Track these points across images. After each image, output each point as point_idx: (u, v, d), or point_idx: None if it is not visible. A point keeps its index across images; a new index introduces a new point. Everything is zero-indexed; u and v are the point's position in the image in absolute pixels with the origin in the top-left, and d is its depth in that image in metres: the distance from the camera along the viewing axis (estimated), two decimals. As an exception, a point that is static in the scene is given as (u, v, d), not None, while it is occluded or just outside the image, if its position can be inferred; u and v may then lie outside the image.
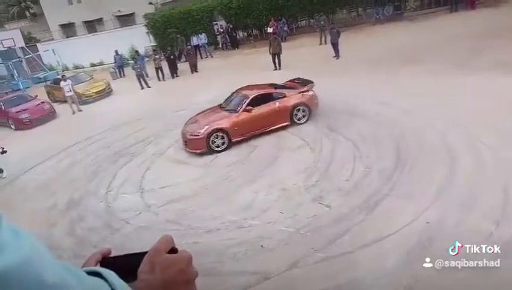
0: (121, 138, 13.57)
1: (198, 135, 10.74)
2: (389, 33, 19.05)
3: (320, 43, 19.03)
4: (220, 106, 11.90)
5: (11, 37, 26.29)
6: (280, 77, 16.63)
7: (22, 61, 28.40)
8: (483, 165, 7.62)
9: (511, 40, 13.56)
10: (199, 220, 7.99)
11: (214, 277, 6.47)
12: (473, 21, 17.41)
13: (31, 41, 30.34)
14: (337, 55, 17.94)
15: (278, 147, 10.47)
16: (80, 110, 18.57)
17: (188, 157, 10.94)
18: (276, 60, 18.34)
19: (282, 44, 19.20)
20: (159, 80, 21.01)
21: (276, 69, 18.26)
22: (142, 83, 20.22)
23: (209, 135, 10.70)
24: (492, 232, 5.95)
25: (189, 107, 15.11)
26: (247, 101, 11.12)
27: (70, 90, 18.33)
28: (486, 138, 8.35)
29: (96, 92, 20.05)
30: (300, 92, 11.53)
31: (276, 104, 11.22)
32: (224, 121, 10.98)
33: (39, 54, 29.35)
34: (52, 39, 32.09)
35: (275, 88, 11.75)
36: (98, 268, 0.72)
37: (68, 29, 32.90)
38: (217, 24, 25.74)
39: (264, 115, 11.04)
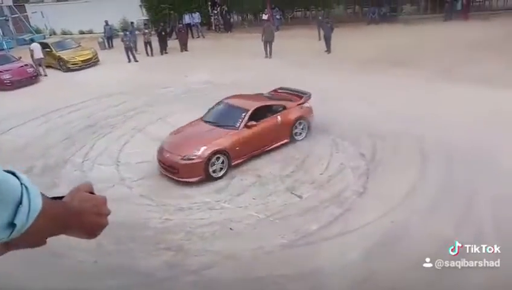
0: (103, 109, 13.47)
1: (193, 159, 8.47)
2: (382, 34, 19.16)
3: (319, 39, 19.01)
4: (202, 119, 9.77)
5: (-1, -7, 25.54)
6: (270, 65, 16.74)
7: (8, 20, 27.67)
8: (453, 174, 7.85)
9: (498, 53, 13.80)
10: (172, 198, 8.09)
11: (181, 253, 6.63)
12: (465, 31, 17.61)
13: (18, 1, 29.46)
14: (328, 50, 18.01)
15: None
16: (45, 75, 18.80)
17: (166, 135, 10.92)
18: (268, 48, 18.32)
19: (276, 33, 19.18)
20: (147, 54, 20.77)
21: (267, 56, 18.26)
22: (130, 56, 19.98)
23: (209, 158, 8.49)
24: (453, 237, 6.21)
25: (175, 86, 15.13)
26: (248, 115, 9.20)
27: (40, 54, 18.87)
28: (460, 148, 8.58)
29: (82, 61, 19.70)
30: (298, 105, 10.08)
31: (278, 118, 9.56)
32: (223, 140, 8.84)
33: (27, 15, 28.61)
34: (42, 1, 31.22)
35: (273, 99, 10.23)
36: (13, 169, 0.85)
37: (60, -8, 32.05)
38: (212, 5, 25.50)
39: (266, 132, 9.25)
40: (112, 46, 23.07)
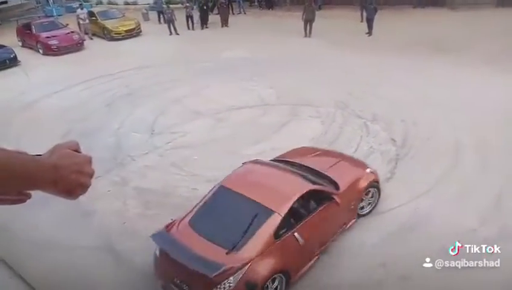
0: (142, 79, 13.85)
1: None
2: (428, 19, 18.37)
3: (362, 20, 18.57)
4: None
5: (51, -39, 26.29)
6: (308, 45, 16.54)
7: (58, -13, 28.54)
8: (486, 168, 7.60)
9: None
10: (201, 169, 8.29)
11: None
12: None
13: (70, -31, 30.27)
14: (369, 32, 17.52)
15: (290, 114, 10.55)
16: (91, 38, 20.24)
17: (202, 109, 11.12)
18: (308, 27, 18.03)
19: (317, 12, 18.82)
20: (188, 28, 20.96)
21: (306, 36, 18.00)
22: (171, 28, 20.23)
23: None
24: (476, 229, 6.10)
25: (213, 60, 15.26)
26: None
27: (85, 19, 20.36)
28: (495, 141, 8.31)
29: (125, 31, 20.17)
30: None
31: None
32: None
33: (76, -17, 29.35)
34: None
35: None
36: None
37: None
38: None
39: None
40: (162, 21, 22.83)
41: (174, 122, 10.50)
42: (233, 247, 4.98)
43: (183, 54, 16.41)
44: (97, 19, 20.62)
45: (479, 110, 9.53)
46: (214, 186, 5.94)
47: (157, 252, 5.40)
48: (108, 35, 20.00)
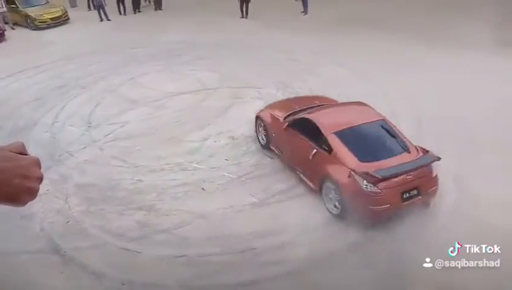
0: (73, 69, 13.11)
1: None
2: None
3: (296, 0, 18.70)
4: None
5: None
6: (245, 26, 16.47)
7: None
8: (418, 136, 8.06)
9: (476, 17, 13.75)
10: (144, 159, 8.11)
11: (153, 213, 6.74)
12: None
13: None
14: (305, 11, 17.72)
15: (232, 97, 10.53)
16: (13, 28, 18.76)
17: (140, 97, 10.78)
18: (244, 8, 17.91)
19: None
20: (120, 13, 20.05)
21: (242, 17, 17.89)
22: (102, 14, 19.25)
23: None
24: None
25: (147, 46, 14.78)
26: None
27: (3, 7, 18.66)
28: (429, 112, 8.81)
29: (51, 18, 18.88)
30: None
31: None
32: None
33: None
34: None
35: None
36: None
37: None
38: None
39: None
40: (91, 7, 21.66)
41: (112, 113, 10.10)
42: (406, 149, 6.37)
43: (116, 41, 15.69)
44: (18, 7, 19.10)
45: (414, 84, 9.99)
46: (328, 137, 6.51)
47: (373, 188, 5.88)
48: (32, 24, 18.64)
